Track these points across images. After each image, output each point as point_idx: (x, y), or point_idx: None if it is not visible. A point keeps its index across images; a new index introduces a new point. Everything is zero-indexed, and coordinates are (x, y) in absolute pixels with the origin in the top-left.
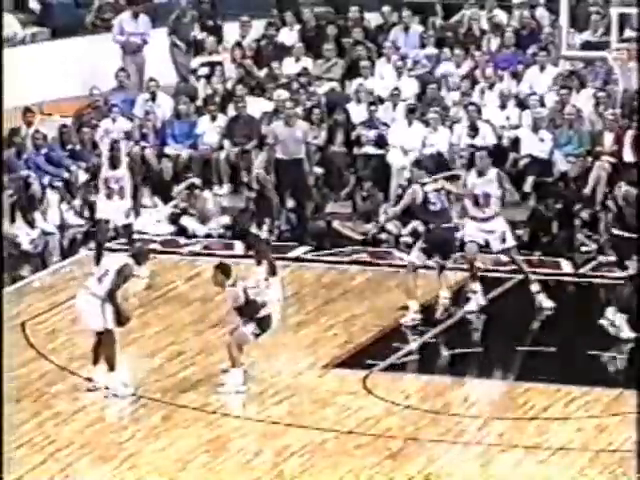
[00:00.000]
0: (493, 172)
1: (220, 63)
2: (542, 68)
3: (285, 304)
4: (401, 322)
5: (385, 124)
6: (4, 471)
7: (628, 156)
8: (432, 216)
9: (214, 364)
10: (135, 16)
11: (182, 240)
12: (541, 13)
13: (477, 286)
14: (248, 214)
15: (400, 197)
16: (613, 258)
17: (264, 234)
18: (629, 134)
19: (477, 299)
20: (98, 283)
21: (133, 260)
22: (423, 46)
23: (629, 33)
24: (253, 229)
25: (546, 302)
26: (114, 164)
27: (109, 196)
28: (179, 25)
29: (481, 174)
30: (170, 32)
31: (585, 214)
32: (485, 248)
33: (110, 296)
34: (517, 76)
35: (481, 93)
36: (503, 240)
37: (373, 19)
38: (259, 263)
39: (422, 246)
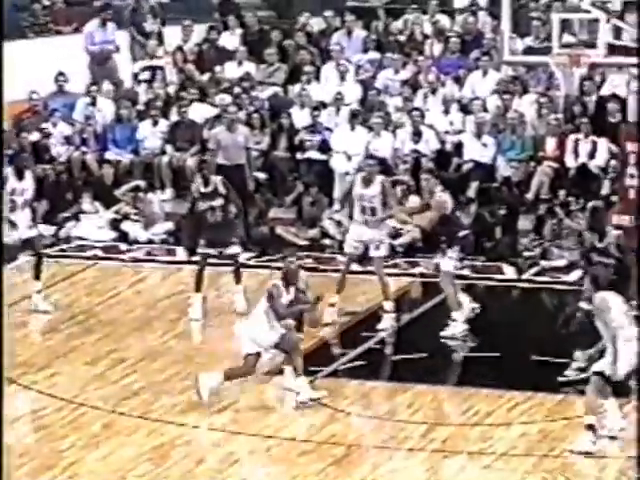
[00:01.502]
0: (379, 180)
1: (161, 67)
2: (485, 73)
3: (230, 310)
4: (443, 334)
5: (328, 129)
6: None
7: (570, 161)
8: (461, 223)
9: (157, 371)
10: (103, 24)
11: (124, 246)
12: (483, 18)
13: (390, 305)
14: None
15: (345, 201)
16: (556, 263)
17: (237, 246)
18: (571, 139)
19: (389, 319)
20: (258, 304)
21: (282, 281)
22: (366, 51)
23: (570, 38)
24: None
25: (385, 323)
26: (20, 175)
27: (13, 209)
28: (136, 17)
29: (368, 182)
30: (128, 25)
31: (528, 219)
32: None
33: (269, 315)
34: (459, 81)
35: (424, 98)
36: (377, 248)
37: (316, 24)
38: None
39: (459, 254)
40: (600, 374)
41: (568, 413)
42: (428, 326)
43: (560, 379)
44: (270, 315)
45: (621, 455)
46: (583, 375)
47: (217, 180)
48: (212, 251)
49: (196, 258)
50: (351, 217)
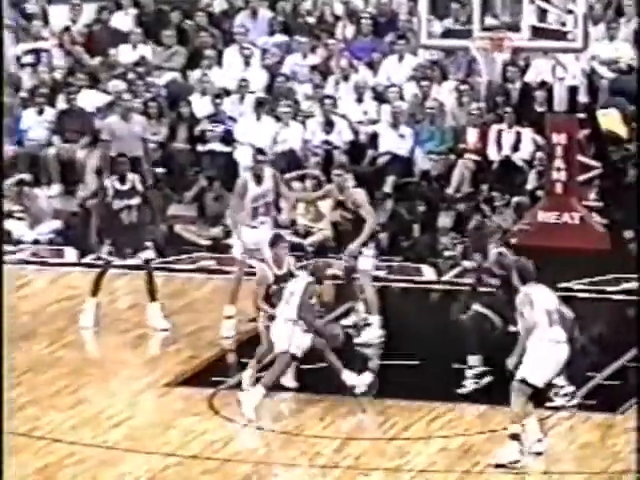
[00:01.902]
0: (269, 174)
1: (47, 50)
2: (400, 58)
3: (125, 316)
4: (357, 341)
5: (232, 118)
6: None
7: (493, 154)
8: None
9: (44, 384)
10: None
11: (8, 247)
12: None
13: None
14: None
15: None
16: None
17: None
18: (494, 130)
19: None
20: (287, 306)
21: (313, 278)
22: (272, 33)
23: (492, 21)
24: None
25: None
26: None
27: None
28: None
29: (259, 179)
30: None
31: (449, 216)
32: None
33: (300, 317)
34: (373, 66)
35: (335, 85)
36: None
37: (218, 4)
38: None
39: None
40: (523, 381)
41: (491, 425)
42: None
43: (459, 391)
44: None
45: (544, 471)
46: (482, 382)
47: (135, 177)
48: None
49: (90, 261)
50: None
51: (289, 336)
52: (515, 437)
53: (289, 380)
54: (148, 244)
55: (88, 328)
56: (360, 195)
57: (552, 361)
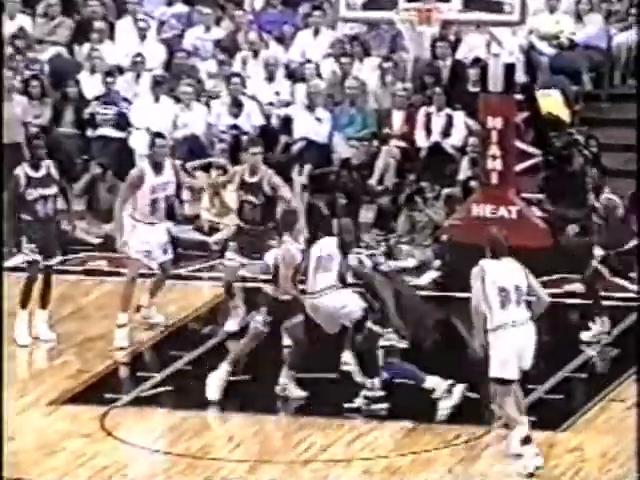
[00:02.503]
0: (169, 163)
1: None
2: (316, 32)
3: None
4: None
5: (126, 100)
6: None
7: (421, 139)
8: None
9: None
10: None
11: None
12: None
13: (239, 302)
14: None
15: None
16: (404, 264)
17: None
18: (422, 113)
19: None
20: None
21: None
22: (170, 3)
23: None
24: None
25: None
26: None
27: None
28: None
29: (158, 168)
30: None
31: (371, 210)
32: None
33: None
34: (285, 41)
35: (243, 62)
36: (165, 251)
37: None
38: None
39: None
40: (498, 379)
41: (418, 446)
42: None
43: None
44: None
45: None
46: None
47: (49, 163)
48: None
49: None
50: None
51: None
52: (527, 441)
53: (295, 389)
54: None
55: (24, 346)
56: (277, 176)
57: (512, 347)
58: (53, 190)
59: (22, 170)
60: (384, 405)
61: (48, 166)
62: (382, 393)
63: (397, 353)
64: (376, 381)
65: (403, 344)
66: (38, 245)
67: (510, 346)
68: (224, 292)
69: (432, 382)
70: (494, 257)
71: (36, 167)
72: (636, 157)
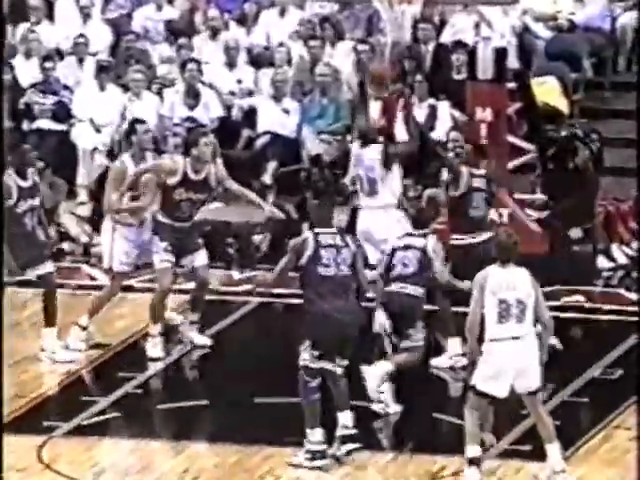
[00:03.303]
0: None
1: None
2: (282, 11)
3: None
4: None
5: (67, 88)
6: None
7: (401, 133)
8: None
9: None
10: None
11: None
12: None
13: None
14: None
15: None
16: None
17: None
18: (401, 104)
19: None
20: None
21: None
22: None
23: None
24: None
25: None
26: None
27: None
28: None
29: (143, 159)
30: None
31: (345, 212)
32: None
33: None
34: (246, 22)
35: (200, 45)
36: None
37: None
38: None
39: None
40: (475, 389)
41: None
42: (210, 361)
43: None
44: None
45: None
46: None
47: (33, 170)
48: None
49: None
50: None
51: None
52: (474, 462)
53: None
54: (46, 254)
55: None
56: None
57: (504, 364)
58: (38, 200)
59: (12, 180)
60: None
61: (32, 173)
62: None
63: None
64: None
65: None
66: (21, 263)
67: (502, 362)
68: (153, 305)
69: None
70: (501, 264)
71: (24, 175)
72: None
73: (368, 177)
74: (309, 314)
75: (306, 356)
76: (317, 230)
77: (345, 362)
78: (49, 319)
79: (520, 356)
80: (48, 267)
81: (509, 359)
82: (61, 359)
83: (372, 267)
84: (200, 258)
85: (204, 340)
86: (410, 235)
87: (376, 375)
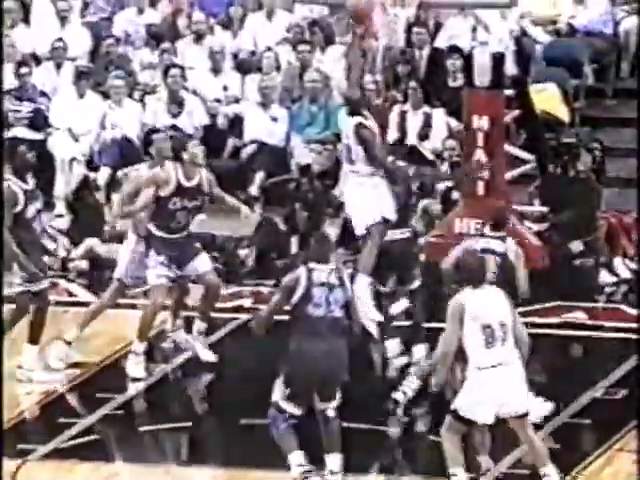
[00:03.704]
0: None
1: None
2: (270, 14)
3: None
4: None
5: (44, 94)
6: None
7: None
8: None
9: None
10: None
11: None
12: None
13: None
14: None
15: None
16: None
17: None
18: (395, 111)
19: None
20: None
21: None
22: None
23: None
24: None
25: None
26: None
27: None
28: None
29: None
30: None
31: (336, 225)
32: None
33: None
34: (232, 26)
35: (183, 51)
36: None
37: None
38: None
39: None
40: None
41: None
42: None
43: None
44: None
45: None
46: None
47: (31, 173)
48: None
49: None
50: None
51: None
52: None
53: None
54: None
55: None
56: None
57: (491, 391)
58: (40, 203)
59: (16, 185)
60: None
61: (31, 176)
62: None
63: None
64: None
65: None
66: (31, 271)
67: (490, 389)
68: (143, 321)
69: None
70: (474, 286)
71: (24, 179)
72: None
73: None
74: (290, 351)
75: (278, 393)
76: (312, 266)
77: (334, 403)
78: (34, 335)
79: (508, 382)
80: (45, 281)
81: (497, 386)
82: (39, 379)
83: (357, 238)
84: (203, 263)
85: (209, 356)
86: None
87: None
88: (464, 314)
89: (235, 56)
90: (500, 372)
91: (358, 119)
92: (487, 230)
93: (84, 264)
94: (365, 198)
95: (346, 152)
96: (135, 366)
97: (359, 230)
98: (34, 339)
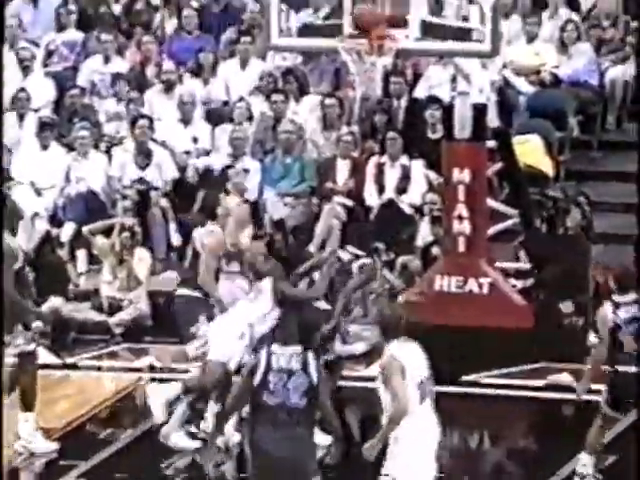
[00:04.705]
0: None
1: None
2: (244, 62)
3: None
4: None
5: (6, 147)
6: None
7: (371, 196)
8: None
9: None
10: None
11: None
12: None
13: None
14: None
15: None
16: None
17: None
18: (372, 163)
19: None
20: None
21: None
22: (62, 28)
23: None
24: None
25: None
26: None
27: None
28: None
29: None
30: None
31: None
32: None
33: None
34: (202, 73)
35: (148, 101)
36: None
37: None
38: None
39: None
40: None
41: None
42: (165, 447)
43: None
44: None
45: None
46: None
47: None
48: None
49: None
50: None
51: None
52: None
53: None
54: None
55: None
56: None
57: (422, 448)
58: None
59: (14, 241)
60: None
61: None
62: None
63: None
64: None
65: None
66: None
67: (420, 448)
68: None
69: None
70: (399, 341)
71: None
72: (636, 219)
73: None
74: (249, 442)
75: None
76: (273, 349)
77: None
78: (28, 402)
79: (431, 438)
80: (34, 342)
81: (425, 443)
82: (40, 450)
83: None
84: None
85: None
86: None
87: None
88: (405, 368)
89: (205, 104)
90: (427, 429)
91: None
92: (616, 296)
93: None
94: None
95: None
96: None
97: None
98: (28, 406)
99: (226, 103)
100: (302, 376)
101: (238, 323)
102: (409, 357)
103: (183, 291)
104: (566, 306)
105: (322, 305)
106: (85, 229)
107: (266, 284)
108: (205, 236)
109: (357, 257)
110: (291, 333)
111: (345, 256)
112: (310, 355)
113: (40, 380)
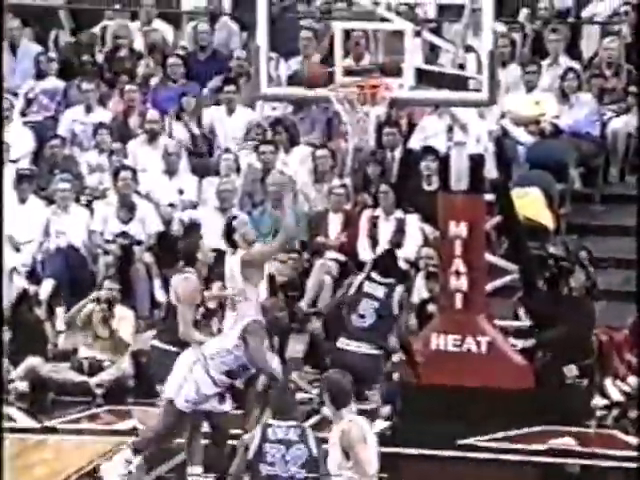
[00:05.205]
0: None
1: None
2: (230, 111)
3: None
4: None
5: None
6: None
7: (364, 251)
8: None
9: None
10: None
11: None
12: (228, 28)
13: None
14: None
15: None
16: None
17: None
18: (365, 217)
19: None
20: None
21: None
22: (41, 75)
23: (364, 60)
24: None
25: None
26: None
27: None
28: None
29: None
30: None
31: (301, 341)
32: None
33: None
34: (184, 119)
35: (135, 151)
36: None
37: None
38: None
39: None
40: None
41: None
42: None
43: None
44: None
45: None
46: None
47: None
48: None
49: None
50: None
51: None
52: None
53: None
54: None
55: None
56: None
57: None
58: None
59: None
60: None
61: None
62: None
63: None
64: None
65: None
66: None
67: None
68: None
69: None
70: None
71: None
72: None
73: None
74: None
75: None
76: (271, 421)
77: None
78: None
79: None
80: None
81: None
82: None
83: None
84: None
85: None
86: None
87: None
88: (367, 434)
89: (191, 155)
90: None
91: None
92: None
93: (24, 385)
94: None
95: None
96: None
97: None
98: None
99: (211, 153)
100: (301, 447)
101: (192, 356)
102: (365, 424)
103: (156, 343)
104: (570, 370)
105: None
106: (65, 318)
107: (243, 323)
108: (180, 283)
109: None
110: (286, 405)
111: None
112: (308, 428)
113: (16, 444)
